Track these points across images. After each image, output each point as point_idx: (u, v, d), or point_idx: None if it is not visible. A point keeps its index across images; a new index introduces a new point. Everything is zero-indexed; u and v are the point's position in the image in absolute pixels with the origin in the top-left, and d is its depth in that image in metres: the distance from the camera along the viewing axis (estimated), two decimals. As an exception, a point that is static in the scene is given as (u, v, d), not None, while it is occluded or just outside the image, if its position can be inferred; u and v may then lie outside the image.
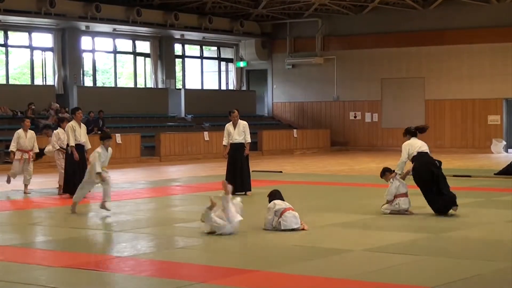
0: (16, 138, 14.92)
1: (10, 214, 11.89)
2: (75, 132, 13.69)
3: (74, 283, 7.04)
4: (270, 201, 9.99)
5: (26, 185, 14.75)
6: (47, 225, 10.94)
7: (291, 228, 9.65)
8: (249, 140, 14.47)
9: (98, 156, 11.59)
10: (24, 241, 9.52)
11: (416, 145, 11.28)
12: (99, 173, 11.57)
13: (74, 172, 13.62)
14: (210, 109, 30.02)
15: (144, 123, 27.39)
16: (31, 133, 15.11)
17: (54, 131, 14.83)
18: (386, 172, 11.54)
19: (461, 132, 29.09)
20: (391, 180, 11.30)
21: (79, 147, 13.84)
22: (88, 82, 28.61)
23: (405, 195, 11.22)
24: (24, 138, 14.89)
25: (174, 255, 8.37)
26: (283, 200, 10.00)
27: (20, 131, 15.03)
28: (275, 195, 10.07)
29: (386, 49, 30.15)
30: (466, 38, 28.51)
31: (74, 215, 11.76)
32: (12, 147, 14.93)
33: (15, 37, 26.11)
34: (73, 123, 13.82)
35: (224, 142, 14.55)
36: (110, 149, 11.88)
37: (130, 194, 14.70)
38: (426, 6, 29.15)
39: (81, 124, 13.98)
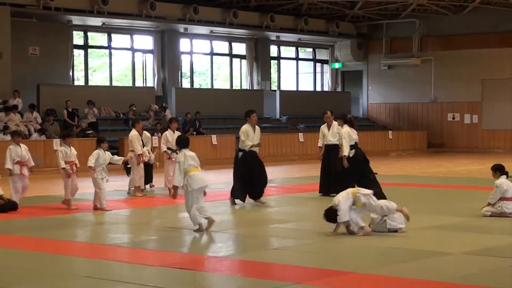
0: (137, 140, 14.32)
1: (109, 214, 12.25)
2: (248, 136, 12.93)
3: (171, 282, 7.19)
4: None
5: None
6: (144, 225, 11.22)
7: (396, 228, 9.57)
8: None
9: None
10: (126, 240, 9.78)
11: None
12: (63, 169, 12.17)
13: (242, 177, 12.90)
14: (305, 111, 30.02)
15: (239, 124, 27.28)
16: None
17: (164, 133, 14.64)
18: (497, 171, 11.09)
19: None
20: (501, 181, 10.90)
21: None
22: (185, 83, 29.16)
23: (511, 199, 10.86)
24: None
25: (269, 256, 8.41)
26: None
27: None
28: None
29: (487, 49, 29.32)
30: None
31: (169, 216, 12.04)
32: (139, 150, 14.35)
33: (118, 39, 26.94)
34: (247, 126, 13.01)
35: (319, 144, 14.55)
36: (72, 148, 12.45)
37: (225, 195, 14.82)
38: (529, 5, 28.20)
39: (256, 127, 13.13)
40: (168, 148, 14.33)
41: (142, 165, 14.33)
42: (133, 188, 14.46)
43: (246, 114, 13.33)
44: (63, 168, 12.30)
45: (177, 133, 14.43)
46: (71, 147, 12.58)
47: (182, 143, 10.22)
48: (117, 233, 10.30)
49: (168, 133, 14.42)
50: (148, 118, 24.70)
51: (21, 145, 12.52)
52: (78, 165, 12.72)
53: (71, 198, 12.51)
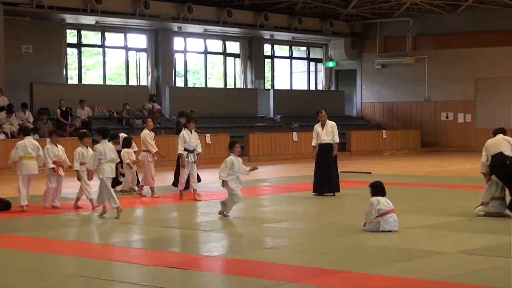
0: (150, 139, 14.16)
1: (108, 213, 12.19)
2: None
3: (165, 281, 7.17)
4: (372, 193, 9.83)
5: (142, 186, 14.39)
6: (140, 224, 11.20)
7: (388, 230, 9.56)
8: (337, 140, 14.35)
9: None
10: (120, 240, 9.75)
11: None
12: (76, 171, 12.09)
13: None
14: (299, 110, 30.02)
15: (233, 123, 27.64)
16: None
17: (181, 133, 13.70)
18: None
19: None
20: (488, 183, 10.98)
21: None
22: (179, 82, 29.12)
23: (502, 199, 10.89)
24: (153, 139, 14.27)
25: (263, 255, 8.40)
26: (385, 193, 9.86)
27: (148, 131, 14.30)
28: (380, 190, 9.84)
29: (481, 48, 29.38)
30: None
31: (166, 215, 12.01)
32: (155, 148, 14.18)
33: (111, 38, 26.86)
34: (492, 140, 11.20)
35: (313, 143, 14.51)
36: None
37: (219, 194, 14.81)
38: (523, 4, 28.24)
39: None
40: (185, 149, 13.52)
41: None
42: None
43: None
44: (77, 171, 12.11)
45: (194, 134, 13.63)
46: (88, 148, 12.36)
47: (25, 131, 12.40)
48: (111, 233, 10.28)
49: (185, 132, 13.59)
50: (142, 118, 24.66)
51: (58, 145, 12.43)
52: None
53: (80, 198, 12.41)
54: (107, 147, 11.45)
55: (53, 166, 12.17)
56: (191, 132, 13.57)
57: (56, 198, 12.40)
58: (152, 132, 14.44)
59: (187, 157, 13.48)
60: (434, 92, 30.80)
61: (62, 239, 9.73)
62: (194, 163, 13.64)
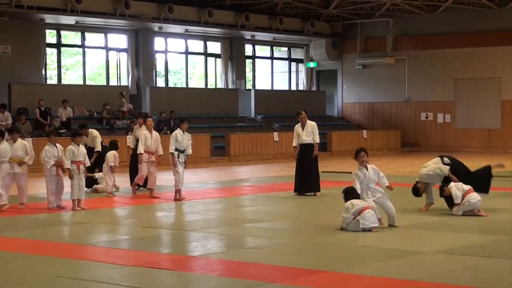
0: (143, 140, 14.04)
1: (89, 213, 12.15)
2: None
3: (146, 282, 7.15)
4: (346, 199, 9.89)
5: (152, 189, 14.13)
6: (121, 224, 11.16)
7: (370, 227, 9.59)
8: (317, 140, 14.41)
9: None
10: (100, 240, 9.71)
11: None
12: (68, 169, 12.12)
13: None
14: (280, 110, 30.06)
15: (214, 123, 27.62)
16: (155, 133, 14.26)
17: (174, 132, 13.69)
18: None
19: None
20: (450, 185, 11.15)
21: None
22: (160, 82, 29.04)
23: (471, 190, 11.03)
24: (150, 139, 14.06)
25: (244, 255, 8.40)
26: (359, 197, 9.90)
27: (146, 132, 14.14)
28: (351, 193, 9.94)
29: (460, 49, 29.59)
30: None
31: (147, 215, 11.99)
32: (141, 149, 13.98)
33: (92, 38, 26.72)
34: None
35: (294, 144, 14.57)
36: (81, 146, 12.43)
37: (200, 194, 14.84)
38: (502, 5, 28.45)
39: None
40: (176, 149, 13.44)
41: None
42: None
43: None
44: (68, 169, 12.04)
45: (187, 134, 13.59)
46: (80, 145, 12.30)
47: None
48: (92, 233, 10.23)
49: (178, 132, 13.57)
50: (123, 118, 24.57)
51: (57, 145, 12.30)
52: (88, 164, 12.52)
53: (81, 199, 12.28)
54: (7, 147, 12.18)
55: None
56: (183, 132, 13.54)
57: (57, 197, 12.34)
58: (152, 132, 14.12)
59: (178, 157, 13.43)
60: (414, 92, 30.98)
61: (41, 239, 9.66)
62: (184, 163, 13.58)
